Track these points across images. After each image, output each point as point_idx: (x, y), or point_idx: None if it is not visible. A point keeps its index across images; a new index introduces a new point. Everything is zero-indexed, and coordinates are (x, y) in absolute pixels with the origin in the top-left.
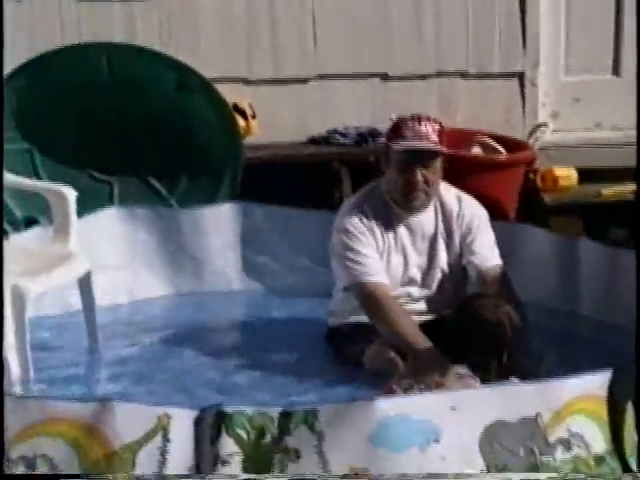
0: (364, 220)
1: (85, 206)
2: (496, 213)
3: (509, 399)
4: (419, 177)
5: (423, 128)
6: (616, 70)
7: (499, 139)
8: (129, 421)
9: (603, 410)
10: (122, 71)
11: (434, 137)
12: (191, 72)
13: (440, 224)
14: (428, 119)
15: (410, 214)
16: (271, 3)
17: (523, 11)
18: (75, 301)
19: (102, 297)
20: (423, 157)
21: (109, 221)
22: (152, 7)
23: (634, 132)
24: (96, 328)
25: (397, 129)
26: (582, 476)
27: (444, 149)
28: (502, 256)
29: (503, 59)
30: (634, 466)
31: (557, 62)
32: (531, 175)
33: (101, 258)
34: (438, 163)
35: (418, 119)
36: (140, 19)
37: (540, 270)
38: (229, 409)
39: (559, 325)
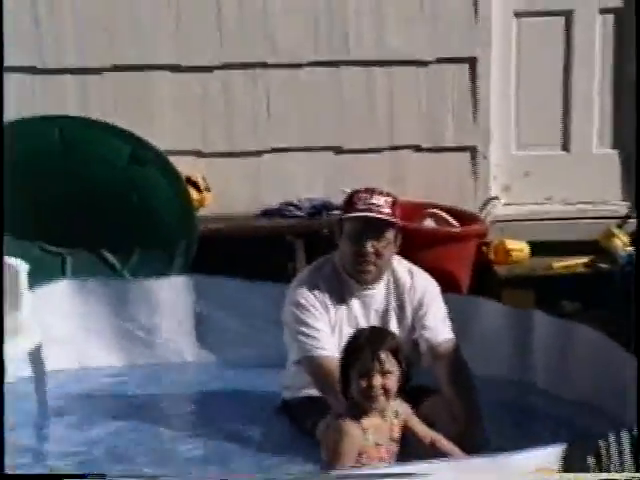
0: (316, 293)
1: (37, 278)
2: (449, 286)
3: (463, 473)
4: (369, 248)
5: (375, 200)
6: (565, 146)
7: (451, 212)
8: None
9: None
10: (74, 143)
11: (386, 209)
12: (144, 144)
13: (392, 298)
14: (381, 192)
15: (362, 287)
16: (226, 77)
17: (474, 87)
18: (25, 373)
19: (52, 367)
20: (374, 228)
21: (61, 293)
22: (106, 79)
23: (584, 206)
24: (46, 400)
25: (350, 201)
26: None
27: (394, 220)
28: (454, 329)
29: (455, 133)
30: None
31: (508, 137)
32: (483, 248)
33: (52, 330)
34: (390, 235)
35: (371, 192)
36: (94, 91)
37: (493, 343)
38: None
39: (512, 398)
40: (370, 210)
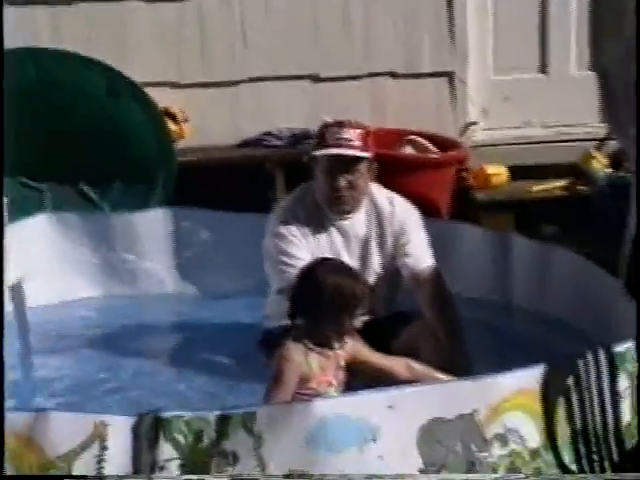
0: (296, 223)
1: (16, 213)
2: (429, 211)
3: (446, 396)
4: (342, 183)
5: (345, 134)
6: (543, 69)
7: (431, 138)
8: (65, 431)
9: (537, 404)
10: (50, 77)
11: (357, 142)
12: (120, 77)
13: (373, 226)
14: (351, 124)
15: (341, 217)
16: (201, 6)
17: (451, 12)
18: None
19: (34, 302)
20: (345, 163)
21: (40, 228)
22: (78, 12)
23: (563, 129)
24: (28, 335)
25: (321, 136)
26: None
27: (364, 153)
28: (435, 254)
29: (432, 59)
30: (566, 459)
31: (485, 61)
32: (463, 173)
33: (33, 264)
34: (362, 167)
35: (340, 125)
36: (66, 23)
37: (473, 266)
38: (166, 414)
39: (493, 320)
40: (340, 145)
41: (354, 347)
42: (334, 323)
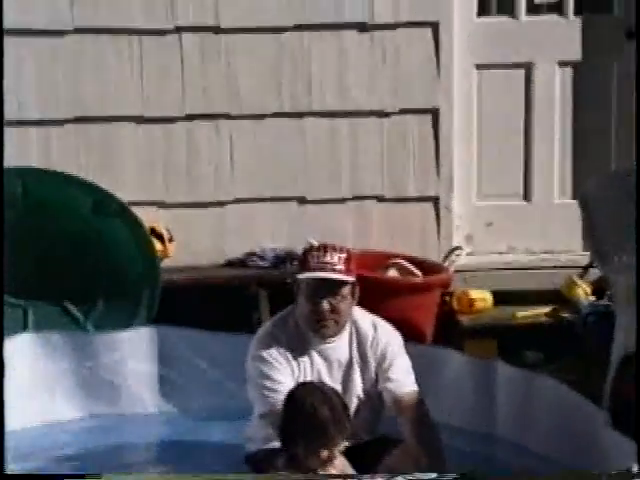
0: (279, 347)
1: None
2: (412, 336)
3: None
4: (326, 306)
5: (328, 258)
6: (526, 196)
7: (415, 262)
8: None
9: None
10: (37, 195)
11: (339, 266)
12: (107, 195)
13: (355, 351)
14: (334, 248)
15: (323, 341)
16: (190, 128)
17: (437, 138)
18: None
19: (14, 424)
20: (328, 287)
21: (22, 347)
22: (68, 131)
23: (546, 256)
24: (4, 457)
25: (304, 260)
26: None
27: (348, 277)
28: (418, 379)
29: (418, 184)
30: None
31: (470, 187)
32: (447, 297)
33: (14, 384)
34: (345, 291)
35: (324, 249)
36: (56, 142)
37: (456, 393)
38: None
39: (475, 449)
40: (323, 269)
41: (343, 465)
42: (316, 447)
